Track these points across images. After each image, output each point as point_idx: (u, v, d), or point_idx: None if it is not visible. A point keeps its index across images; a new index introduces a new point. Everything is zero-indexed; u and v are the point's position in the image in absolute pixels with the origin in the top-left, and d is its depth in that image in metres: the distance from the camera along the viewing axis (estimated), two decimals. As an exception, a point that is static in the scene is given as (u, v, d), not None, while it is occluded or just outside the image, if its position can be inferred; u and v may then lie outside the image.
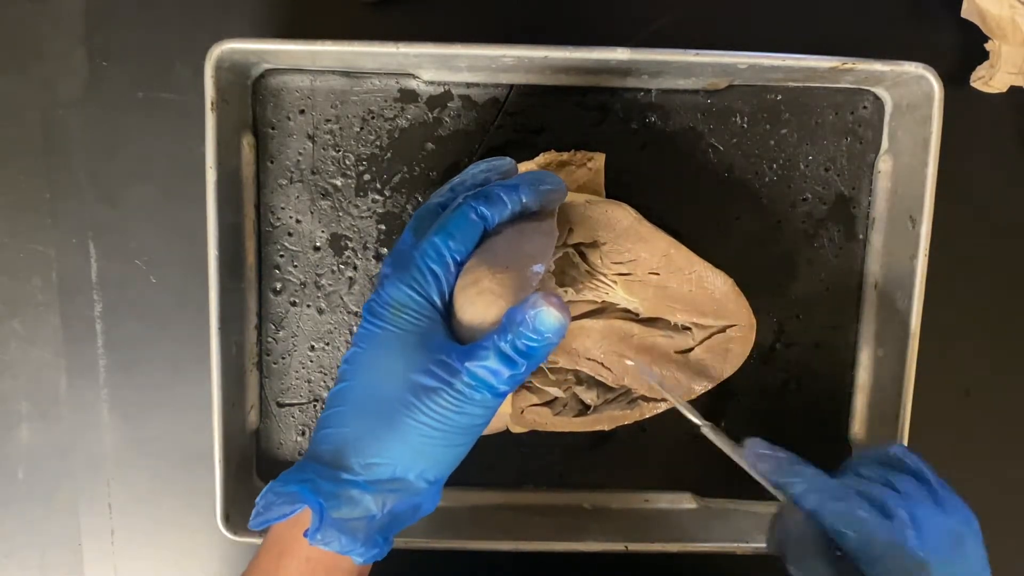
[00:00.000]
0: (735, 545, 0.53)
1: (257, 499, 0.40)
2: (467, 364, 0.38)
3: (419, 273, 0.40)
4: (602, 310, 0.50)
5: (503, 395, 0.39)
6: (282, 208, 0.54)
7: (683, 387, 0.51)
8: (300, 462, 0.41)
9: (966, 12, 0.53)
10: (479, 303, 0.39)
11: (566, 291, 0.49)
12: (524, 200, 0.42)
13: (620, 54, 0.47)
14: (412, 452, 0.39)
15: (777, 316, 0.56)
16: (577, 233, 0.49)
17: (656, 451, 0.56)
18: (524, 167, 0.51)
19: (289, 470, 0.40)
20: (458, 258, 0.40)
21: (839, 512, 0.39)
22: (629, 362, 0.50)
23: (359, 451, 0.39)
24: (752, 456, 0.43)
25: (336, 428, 0.40)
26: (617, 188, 0.52)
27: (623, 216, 0.49)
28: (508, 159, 0.45)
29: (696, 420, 0.47)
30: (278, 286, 0.54)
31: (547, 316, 0.37)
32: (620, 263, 0.49)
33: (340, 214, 0.54)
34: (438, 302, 0.40)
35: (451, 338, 0.40)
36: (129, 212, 0.55)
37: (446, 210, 0.42)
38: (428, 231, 0.41)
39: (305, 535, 0.38)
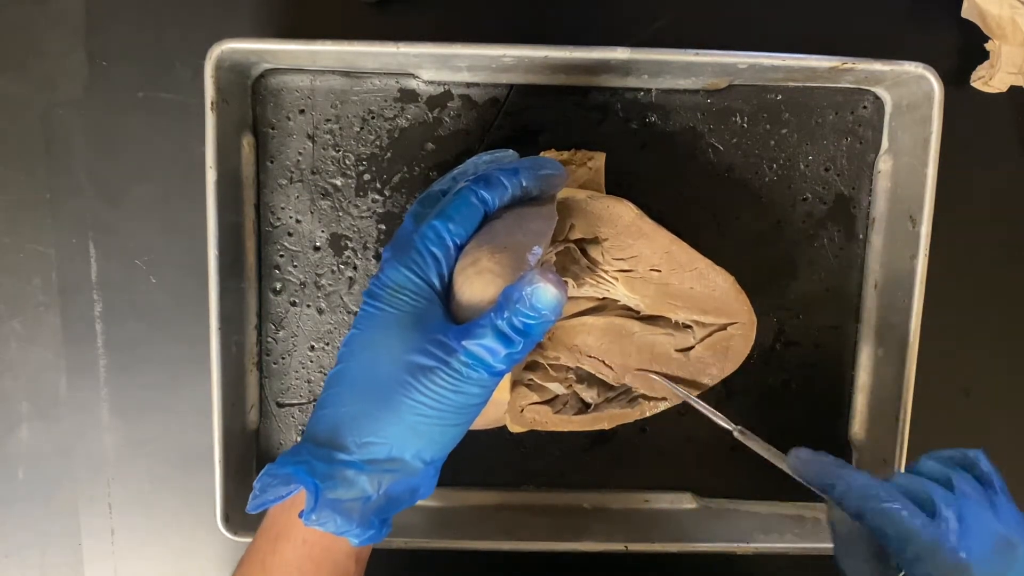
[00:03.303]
0: (735, 545, 0.53)
1: (254, 482, 0.39)
2: (464, 343, 0.38)
3: (419, 255, 0.40)
4: (603, 307, 0.50)
5: (500, 374, 0.39)
6: (282, 208, 0.54)
7: (684, 384, 0.51)
8: (297, 444, 0.41)
9: (966, 12, 0.53)
10: (477, 283, 0.39)
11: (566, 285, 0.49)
12: (524, 184, 0.42)
13: (620, 54, 0.47)
14: (408, 431, 0.39)
15: (777, 316, 0.56)
16: (578, 229, 0.49)
17: (656, 451, 0.56)
18: (524, 166, 0.51)
19: (286, 452, 0.40)
20: (458, 241, 0.40)
21: (879, 511, 0.39)
22: (654, 377, 0.50)
23: (355, 430, 0.39)
24: (796, 461, 0.42)
25: (332, 408, 0.40)
26: (617, 188, 0.52)
27: (624, 212, 0.49)
28: (510, 151, 0.45)
29: (728, 426, 0.47)
30: (278, 286, 0.54)
31: (544, 292, 0.37)
32: (621, 259, 0.49)
33: (340, 214, 0.54)
34: (437, 284, 0.40)
35: (449, 319, 0.40)
36: (129, 212, 0.55)
37: (447, 195, 0.42)
38: (428, 216, 0.41)
39: (300, 516, 0.38)
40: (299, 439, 0.56)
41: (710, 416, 0.48)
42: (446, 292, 0.40)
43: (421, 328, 0.39)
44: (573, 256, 0.49)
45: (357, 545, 0.39)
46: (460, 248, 0.41)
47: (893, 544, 0.38)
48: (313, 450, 0.39)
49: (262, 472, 0.39)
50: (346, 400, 0.40)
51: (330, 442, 0.39)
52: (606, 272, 0.49)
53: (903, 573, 0.40)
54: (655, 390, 0.51)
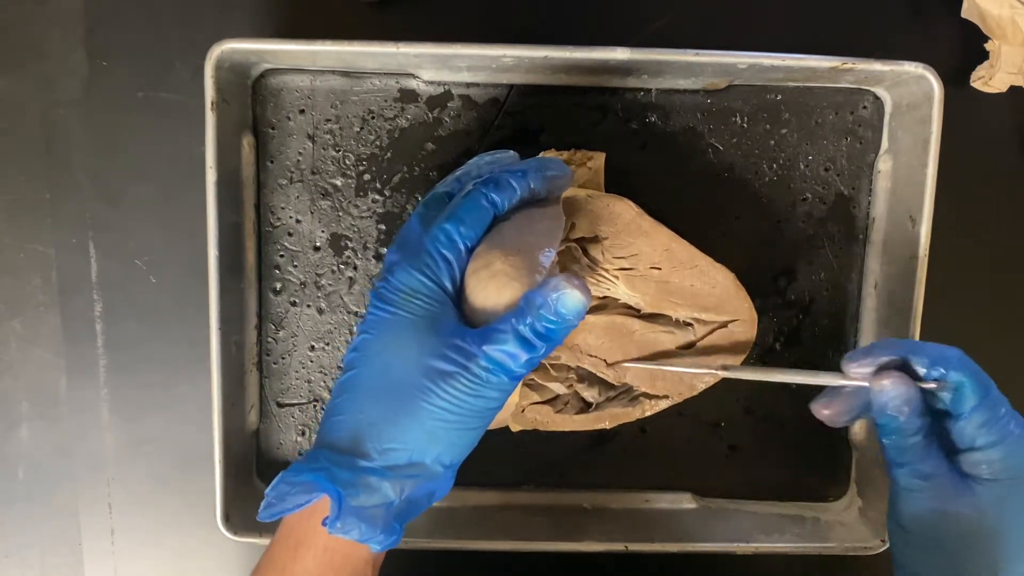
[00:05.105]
0: (735, 545, 0.53)
1: (267, 490, 0.39)
2: (484, 347, 0.38)
3: (430, 259, 0.40)
4: (604, 306, 0.50)
5: (519, 378, 0.39)
6: (282, 208, 0.54)
7: (685, 383, 0.51)
8: (311, 451, 0.40)
9: (966, 12, 0.53)
10: (491, 285, 0.39)
11: None
12: (532, 186, 0.42)
13: (620, 54, 0.47)
14: (428, 436, 0.39)
15: (777, 316, 0.56)
16: (579, 228, 0.49)
17: (656, 451, 0.56)
18: (525, 166, 0.51)
19: (300, 459, 0.40)
20: (469, 244, 0.40)
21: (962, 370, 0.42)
22: (629, 365, 0.50)
23: (375, 437, 0.39)
24: (853, 356, 0.44)
25: (349, 415, 0.40)
26: (617, 188, 0.52)
27: (624, 210, 0.49)
28: (511, 152, 0.45)
29: (712, 370, 0.49)
30: (278, 286, 0.54)
31: (570, 298, 0.37)
32: (622, 257, 0.49)
33: (340, 214, 0.54)
34: (449, 287, 0.40)
35: (463, 322, 0.40)
36: (129, 212, 0.55)
37: (456, 197, 0.42)
38: (437, 218, 0.41)
39: (324, 524, 0.38)
40: (299, 439, 0.56)
41: (690, 371, 0.49)
42: (458, 295, 0.40)
43: (437, 332, 0.39)
44: (574, 255, 0.49)
45: (378, 551, 0.39)
46: (471, 251, 0.40)
47: (967, 399, 0.41)
48: (332, 457, 0.39)
49: (277, 480, 0.39)
50: (363, 406, 0.39)
51: (350, 448, 0.39)
52: (607, 271, 0.49)
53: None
54: (656, 388, 0.51)
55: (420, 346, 0.39)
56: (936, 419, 0.43)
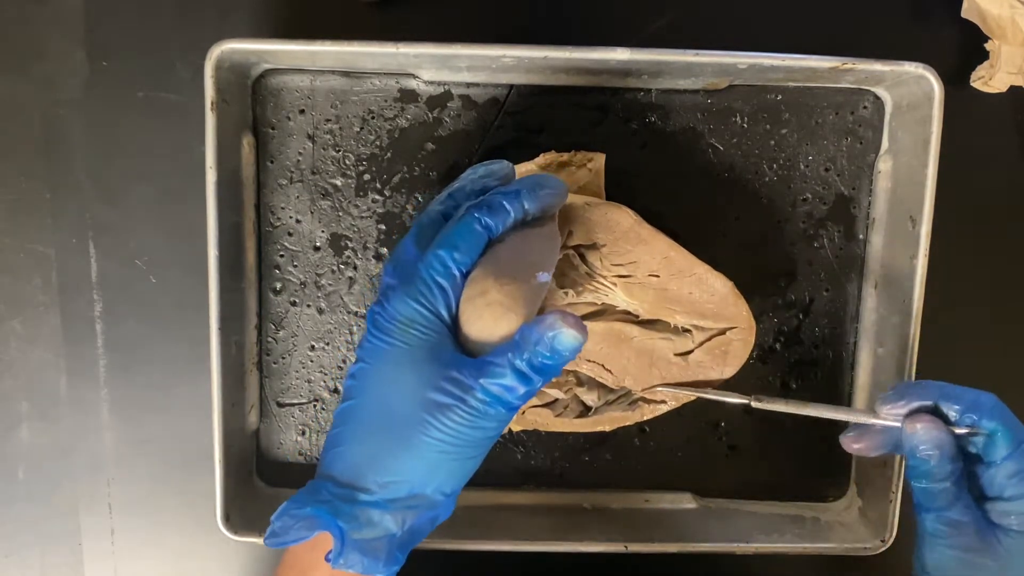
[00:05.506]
0: (735, 545, 0.53)
1: (272, 517, 0.39)
2: (481, 381, 0.38)
3: (425, 287, 0.40)
4: (602, 312, 0.50)
5: (517, 408, 0.39)
6: (282, 208, 0.54)
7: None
8: (313, 482, 0.40)
9: (966, 12, 0.53)
10: (487, 315, 0.39)
11: (566, 292, 0.49)
12: (526, 207, 0.42)
13: (620, 54, 0.47)
14: (428, 468, 0.39)
15: (777, 316, 0.56)
16: (577, 235, 0.48)
17: (656, 451, 0.56)
18: (524, 168, 0.51)
19: (303, 490, 0.40)
20: (463, 269, 0.40)
21: (996, 417, 0.42)
22: (662, 390, 0.50)
23: (375, 470, 0.39)
24: (895, 390, 0.44)
25: (348, 447, 0.40)
26: (617, 188, 0.52)
27: (623, 218, 0.49)
28: (505, 162, 0.45)
29: (744, 400, 0.48)
30: (278, 286, 0.54)
31: (566, 338, 0.37)
32: (620, 265, 0.49)
33: (340, 214, 0.54)
34: (445, 315, 0.40)
35: (459, 351, 0.40)
36: (129, 212, 0.55)
37: (450, 221, 0.42)
38: (431, 242, 0.41)
39: (327, 559, 0.38)
40: (299, 439, 0.56)
41: (725, 400, 0.49)
42: (453, 322, 0.40)
43: (434, 363, 0.39)
44: (572, 262, 0.49)
45: None
46: (466, 276, 0.40)
47: (999, 448, 0.41)
48: (334, 490, 0.39)
49: (280, 510, 0.39)
50: (363, 438, 0.40)
51: (350, 482, 0.39)
52: (605, 278, 0.49)
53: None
54: (656, 394, 0.51)
55: (417, 378, 0.39)
56: (968, 462, 0.43)
